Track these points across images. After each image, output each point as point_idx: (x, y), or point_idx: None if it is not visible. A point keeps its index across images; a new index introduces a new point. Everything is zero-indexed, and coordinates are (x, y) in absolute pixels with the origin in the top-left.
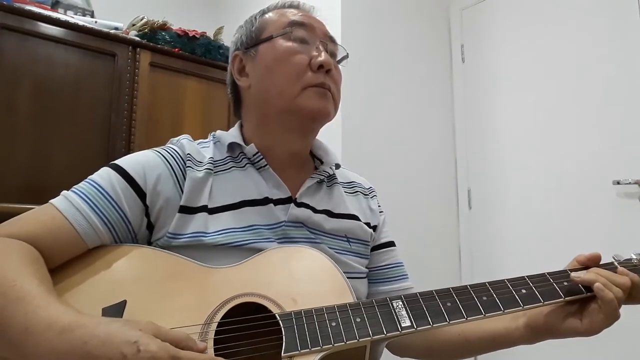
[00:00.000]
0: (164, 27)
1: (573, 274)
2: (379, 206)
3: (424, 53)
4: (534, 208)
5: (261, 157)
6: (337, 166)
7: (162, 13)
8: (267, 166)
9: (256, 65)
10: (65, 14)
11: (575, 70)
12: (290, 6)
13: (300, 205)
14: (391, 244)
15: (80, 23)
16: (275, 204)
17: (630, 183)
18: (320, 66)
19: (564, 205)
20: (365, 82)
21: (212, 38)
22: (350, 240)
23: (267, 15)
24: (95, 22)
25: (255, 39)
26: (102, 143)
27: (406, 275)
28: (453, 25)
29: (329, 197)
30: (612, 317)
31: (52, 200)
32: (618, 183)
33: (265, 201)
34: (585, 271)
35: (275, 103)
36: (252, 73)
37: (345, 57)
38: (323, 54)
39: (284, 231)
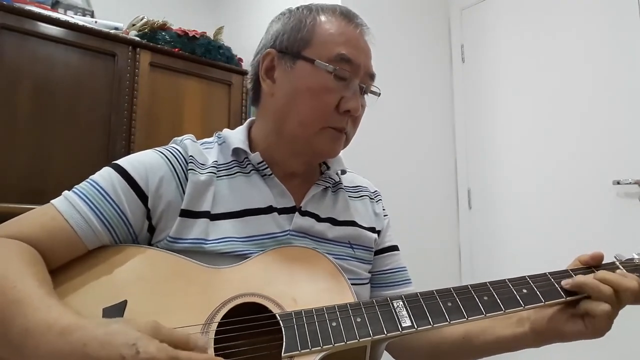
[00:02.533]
0: (164, 27)
1: (564, 282)
2: (384, 209)
3: (424, 53)
4: (534, 208)
5: (266, 166)
6: (343, 171)
7: (162, 13)
8: (272, 175)
9: (287, 79)
10: (65, 14)
11: (575, 70)
12: (346, 17)
13: (304, 214)
14: (394, 248)
15: (80, 23)
16: (279, 213)
17: (630, 183)
18: (348, 110)
19: (564, 204)
20: None
21: (212, 38)
22: (354, 246)
23: (318, 23)
24: (95, 22)
25: (297, 48)
26: (102, 143)
27: (409, 280)
28: (453, 25)
29: (333, 204)
30: (602, 318)
31: (52, 201)
32: (618, 183)
33: (269, 210)
34: (578, 276)
35: (292, 128)
36: (280, 84)
37: (377, 94)
38: (355, 100)
39: (288, 240)
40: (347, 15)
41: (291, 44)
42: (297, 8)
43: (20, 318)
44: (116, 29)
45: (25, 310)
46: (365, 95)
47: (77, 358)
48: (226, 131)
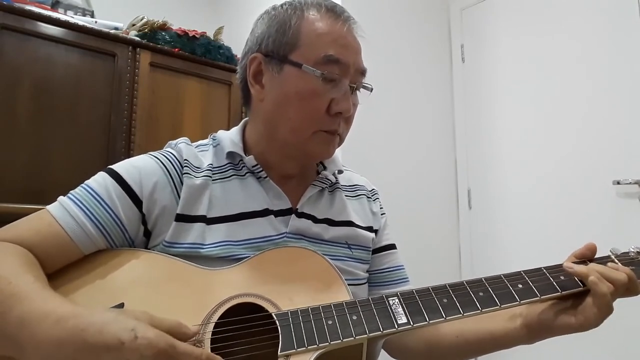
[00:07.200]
0: (164, 27)
1: (566, 264)
2: (381, 208)
3: (423, 53)
4: (533, 208)
5: (261, 169)
6: (340, 171)
7: (162, 13)
8: (268, 178)
9: (275, 85)
10: (65, 14)
11: (575, 70)
12: (333, 13)
13: (301, 215)
14: (392, 246)
15: (80, 23)
16: (275, 216)
17: (630, 183)
18: (339, 112)
19: (564, 205)
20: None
21: (212, 38)
22: (351, 246)
23: (303, 23)
24: (95, 22)
25: (283, 52)
26: (102, 143)
27: (407, 278)
28: (453, 25)
29: (330, 205)
30: (605, 311)
31: (48, 207)
32: (618, 183)
33: (265, 212)
34: (579, 264)
35: (284, 134)
36: (269, 88)
37: (369, 89)
38: (346, 101)
39: (285, 243)
40: (333, 11)
41: (277, 48)
42: (282, 6)
43: (16, 310)
44: (116, 29)
45: (21, 303)
46: (357, 92)
47: (75, 344)
48: (221, 133)
